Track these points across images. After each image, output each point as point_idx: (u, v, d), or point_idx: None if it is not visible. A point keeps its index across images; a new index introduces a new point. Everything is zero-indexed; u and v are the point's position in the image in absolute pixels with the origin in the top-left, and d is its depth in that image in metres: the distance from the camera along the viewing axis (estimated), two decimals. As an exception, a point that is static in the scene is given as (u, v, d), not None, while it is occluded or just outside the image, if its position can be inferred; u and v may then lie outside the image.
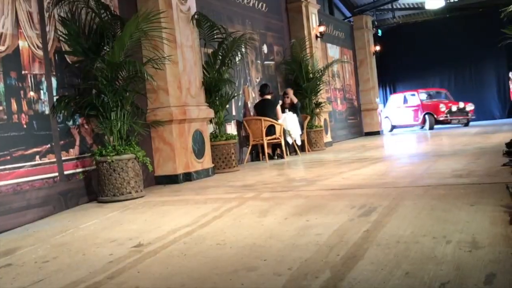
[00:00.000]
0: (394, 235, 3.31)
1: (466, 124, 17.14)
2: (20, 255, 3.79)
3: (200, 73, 7.89)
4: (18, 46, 5.32)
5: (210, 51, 8.48)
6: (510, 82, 17.87)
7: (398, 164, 7.23)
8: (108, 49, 6.13)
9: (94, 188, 6.06)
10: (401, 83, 21.45)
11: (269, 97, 9.88)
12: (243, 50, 9.06)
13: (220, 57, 8.37)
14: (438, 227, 3.40)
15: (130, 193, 5.86)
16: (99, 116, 6.02)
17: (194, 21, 7.72)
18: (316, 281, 2.63)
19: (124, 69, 6.09)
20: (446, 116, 16.84)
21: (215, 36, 8.24)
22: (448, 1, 18.26)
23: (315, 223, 3.87)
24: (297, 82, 11.60)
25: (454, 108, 16.97)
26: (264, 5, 11.37)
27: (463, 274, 2.51)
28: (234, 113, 9.68)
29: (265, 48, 11.25)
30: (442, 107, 16.89)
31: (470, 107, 17.12)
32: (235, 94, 9.26)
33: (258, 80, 10.74)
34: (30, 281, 3.12)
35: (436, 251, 2.88)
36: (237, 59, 8.93)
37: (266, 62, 11.19)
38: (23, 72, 5.35)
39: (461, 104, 17.07)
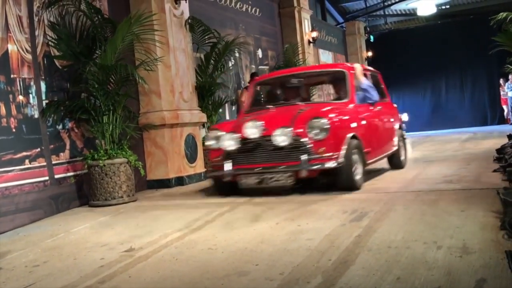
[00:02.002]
0: (385, 240, 3.32)
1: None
2: (10, 259, 3.76)
3: (193, 77, 7.89)
4: (7, 50, 5.29)
5: (203, 55, 8.48)
6: (500, 88, 17.97)
7: (389, 169, 7.25)
8: (100, 53, 6.11)
9: (86, 192, 6.03)
10: (393, 89, 21.52)
11: None
12: (236, 54, 9.05)
13: (213, 62, 8.37)
14: (429, 232, 3.42)
15: (122, 197, 5.84)
16: (91, 120, 6.00)
17: (187, 26, 7.72)
18: (308, 286, 2.63)
19: (116, 73, 6.08)
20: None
21: (208, 41, 8.25)
22: (440, 7, 18.39)
23: (306, 228, 3.88)
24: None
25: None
26: (258, 10, 11.40)
27: (453, 279, 2.53)
28: (228, 117, 9.66)
29: (259, 53, 11.27)
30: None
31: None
32: (228, 99, 9.26)
33: (251, 85, 10.74)
34: (21, 285, 3.10)
35: (427, 256, 2.90)
36: (230, 64, 8.91)
37: (260, 67, 11.20)
38: (12, 76, 5.32)
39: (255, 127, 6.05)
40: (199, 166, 7.64)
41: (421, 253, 2.98)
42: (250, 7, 11.11)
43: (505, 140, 8.30)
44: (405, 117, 10.19)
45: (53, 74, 5.92)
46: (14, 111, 5.29)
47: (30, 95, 5.55)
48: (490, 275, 2.53)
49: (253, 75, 9.93)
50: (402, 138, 7.42)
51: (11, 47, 5.35)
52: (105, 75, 5.96)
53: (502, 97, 18.00)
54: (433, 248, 3.04)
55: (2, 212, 4.91)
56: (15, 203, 5.09)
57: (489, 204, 4.02)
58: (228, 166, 5.53)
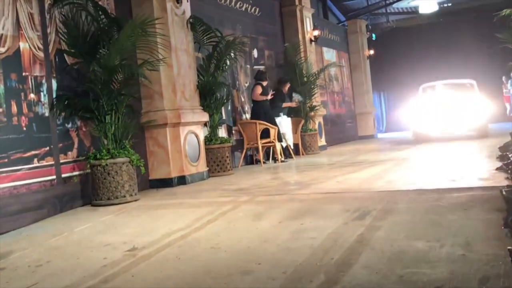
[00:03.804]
0: (388, 238, 3.32)
1: None
2: (13, 259, 3.77)
3: (195, 76, 7.89)
4: (19, 47, 5.29)
5: (204, 54, 8.47)
6: (503, 86, 17.94)
7: (392, 168, 7.25)
8: (103, 52, 6.12)
9: (89, 192, 6.04)
10: (395, 87, 21.52)
11: (264, 83, 9.81)
12: (236, 54, 9.02)
13: (215, 61, 8.37)
14: (431, 230, 3.41)
15: (124, 196, 5.85)
16: (95, 119, 6.01)
17: (189, 25, 7.72)
18: (311, 285, 2.63)
19: (119, 73, 6.08)
20: None
21: (210, 40, 8.24)
22: (442, 5, 18.35)
23: (309, 226, 3.88)
24: (291, 85, 11.61)
25: None
26: (257, 9, 11.38)
27: (456, 278, 2.53)
28: (224, 116, 9.65)
29: (255, 53, 11.23)
30: None
31: None
32: (230, 98, 9.26)
33: (247, 85, 10.70)
34: (24, 285, 3.10)
35: (430, 255, 2.89)
36: (228, 63, 8.88)
37: (256, 67, 11.19)
38: (23, 73, 5.33)
39: None
40: (201, 165, 7.65)
41: (424, 251, 2.98)
42: (250, 6, 11.09)
43: (508, 138, 8.28)
44: None
45: (64, 72, 5.93)
46: (25, 109, 5.29)
47: (41, 93, 5.55)
48: (493, 273, 2.53)
49: (259, 74, 9.96)
50: None
51: (23, 45, 5.36)
52: (108, 75, 5.97)
53: (504, 94, 17.97)
54: (436, 246, 3.04)
55: (10, 211, 4.91)
56: (20, 203, 5.09)
57: (492, 202, 4.01)
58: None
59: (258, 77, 9.98)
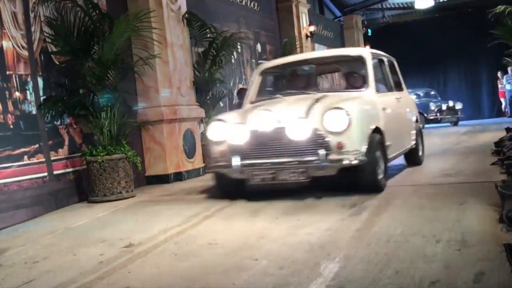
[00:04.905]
0: (384, 234, 3.33)
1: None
2: (9, 256, 3.76)
3: (191, 72, 7.87)
4: (2, 46, 5.25)
5: (201, 50, 8.46)
6: (498, 81, 17.97)
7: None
8: (97, 48, 6.09)
9: (85, 188, 6.03)
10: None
11: None
12: (234, 49, 9.02)
13: (211, 57, 8.36)
14: (427, 226, 3.43)
15: (120, 193, 5.84)
16: (89, 116, 5.99)
17: (185, 21, 7.70)
18: (307, 280, 2.64)
19: (114, 68, 6.06)
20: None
21: (206, 36, 8.23)
22: (438, 0, 18.36)
23: (306, 222, 3.88)
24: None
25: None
26: (256, 4, 11.37)
27: (452, 273, 2.53)
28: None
29: (258, 47, 11.24)
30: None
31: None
32: (226, 94, 9.25)
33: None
34: (20, 281, 3.10)
35: (426, 250, 2.90)
36: (232, 58, 8.88)
37: (259, 61, 11.21)
38: (7, 72, 5.29)
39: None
40: (197, 162, 7.64)
41: (420, 246, 2.99)
42: (249, 0, 11.08)
43: (503, 133, 8.31)
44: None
45: (51, 70, 5.90)
46: (11, 108, 5.27)
47: (27, 91, 5.53)
48: (488, 268, 2.54)
49: (241, 92, 9.86)
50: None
51: (6, 44, 5.31)
52: (103, 71, 5.94)
53: (500, 90, 18.00)
54: (432, 241, 3.05)
55: (3, 208, 4.90)
56: (14, 200, 5.08)
57: (488, 197, 4.02)
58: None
59: (240, 95, 9.95)
